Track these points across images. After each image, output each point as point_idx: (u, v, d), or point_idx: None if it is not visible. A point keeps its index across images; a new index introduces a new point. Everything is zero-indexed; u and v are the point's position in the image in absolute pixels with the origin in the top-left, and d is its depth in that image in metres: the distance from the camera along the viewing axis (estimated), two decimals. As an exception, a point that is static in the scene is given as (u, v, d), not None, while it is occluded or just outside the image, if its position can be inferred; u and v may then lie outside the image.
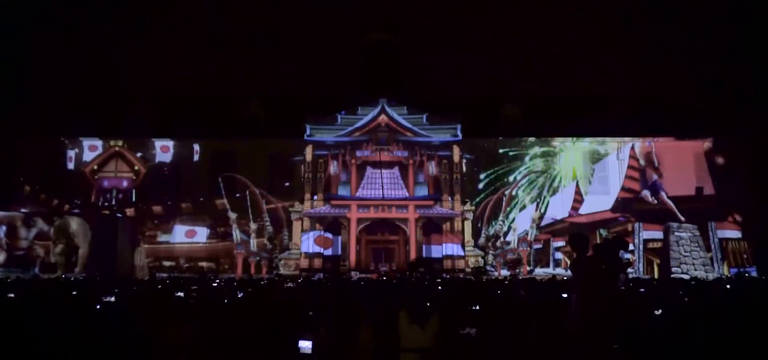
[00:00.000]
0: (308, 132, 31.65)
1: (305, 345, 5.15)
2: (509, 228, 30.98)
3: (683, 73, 33.74)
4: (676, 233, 26.95)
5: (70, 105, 32.77)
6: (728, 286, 13.36)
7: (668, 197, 27.90)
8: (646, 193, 28.22)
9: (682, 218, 27.47)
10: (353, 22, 37.07)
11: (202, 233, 31.65)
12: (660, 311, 7.67)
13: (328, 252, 30.52)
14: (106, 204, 30.29)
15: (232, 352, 5.93)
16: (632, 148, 30.48)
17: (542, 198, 31.00)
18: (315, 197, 31.06)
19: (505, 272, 29.24)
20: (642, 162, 29.53)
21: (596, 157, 31.79)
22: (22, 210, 28.50)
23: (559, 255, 30.15)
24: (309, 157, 31.45)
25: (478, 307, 7.19)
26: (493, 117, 33.97)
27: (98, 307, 8.22)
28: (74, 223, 27.35)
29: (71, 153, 31.96)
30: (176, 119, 32.43)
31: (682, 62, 34.31)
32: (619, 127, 32.59)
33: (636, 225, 28.15)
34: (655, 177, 28.29)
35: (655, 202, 28.00)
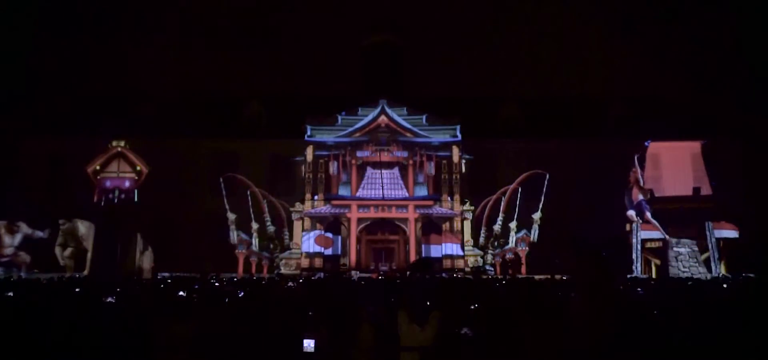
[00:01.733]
0: (309, 132, 31.71)
1: (308, 343, 5.23)
2: (508, 228, 30.94)
3: (681, 74, 33.86)
4: (675, 249, 26.70)
5: (72, 106, 32.85)
6: (725, 286, 13.42)
7: (653, 217, 27.82)
8: (632, 214, 28.18)
9: (667, 237, 27.40)
10: (354, 23, 37.18)
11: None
12: (658, 312, 7.74)
13: (329, 252, 30.57)
14: (108, 205, 30.24)
15: (233, 351, 6.00)
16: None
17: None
18: (315, 197, 31.12)
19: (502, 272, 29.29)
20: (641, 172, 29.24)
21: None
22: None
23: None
24: (309, 157, 31.52)
25: (476, 306, 7.26)
26: (493, 117, 34.08)
27: (101, 306, 8.30)
28: (83, 226, 27.26)
29: (73, 154, 32.03)
30: (178, 119, 32.53)
31: (680, 63, 34.41)
32: (617, 127, 32.70)
33: (634, 225, 28.16)
34: (640, 197, 28.15)
35: (640, 221, 27.99)
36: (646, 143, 29.29)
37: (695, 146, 29.96)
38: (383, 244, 32.12)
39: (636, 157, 28.74)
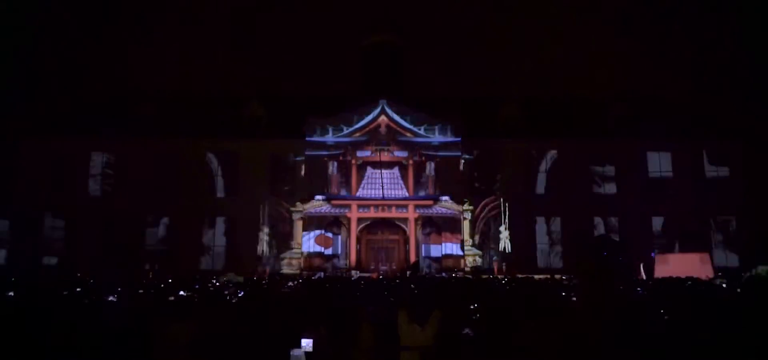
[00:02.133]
0: (309, 132, 31.67)
1: (306, 342, 5.24)
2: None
3: (683, 73, 33.82)
4: None
5: (72, 106, 32.83)
6: (724, 286, 13.41)
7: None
8: None
9: None
10: (354, 23, 37.12)
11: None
12: (658, 312, 7.74)
13: (329, 251, 30.56)
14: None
15: (233, 352, 6.00)
16: None
17: None
18: (316, 197, 31.09)
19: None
20: None
21: None
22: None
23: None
24: (310, 157, 31.48)
25: (476, 306, 7.26)
26: (493, 117, 34.04)
27: (101, 306, 8.30)
28: None
29: (73, 154, 32.04)
30: (178, 119, 32.51)
31: (682, 63, 34.37)
32: (617, 127, 32.69)
33: None
34: None
35: None
36: (652, 254, 28.82)
37: (704, 256, 28.91)
38: (383, 244, 32.10)
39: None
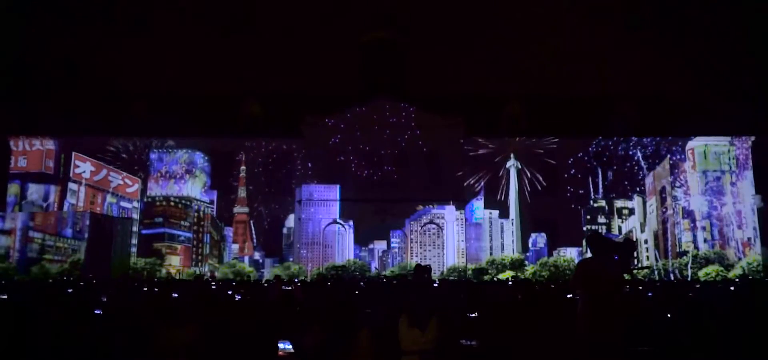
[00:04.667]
0: (308, 130, 31.57)
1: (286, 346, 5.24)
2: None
3: (689, 71, 33.49)
4: None
5: (66, 104, 32.59)
6: (732, 288, 13.36)
7: None
8: None
9: None
10: (354, 19, 36.74)
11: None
12: (661, 312, 7.68)
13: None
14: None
15: (231, 353, 5.94)
16: None
17: None
18: (315, 196, 31.05)
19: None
20: None
21: None
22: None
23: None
24: (308, 155, 31.45)
25: (476, 315, 7.12)
26: (496, 115, 33.82)
27: (97, 309, 8.22)
28: None
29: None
30: (175, 118, 32.28)
31: (688, 60, 34.03)
32: (623, 126, 32.43)
33: None
34: None
35: None
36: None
37: None
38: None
39: None
